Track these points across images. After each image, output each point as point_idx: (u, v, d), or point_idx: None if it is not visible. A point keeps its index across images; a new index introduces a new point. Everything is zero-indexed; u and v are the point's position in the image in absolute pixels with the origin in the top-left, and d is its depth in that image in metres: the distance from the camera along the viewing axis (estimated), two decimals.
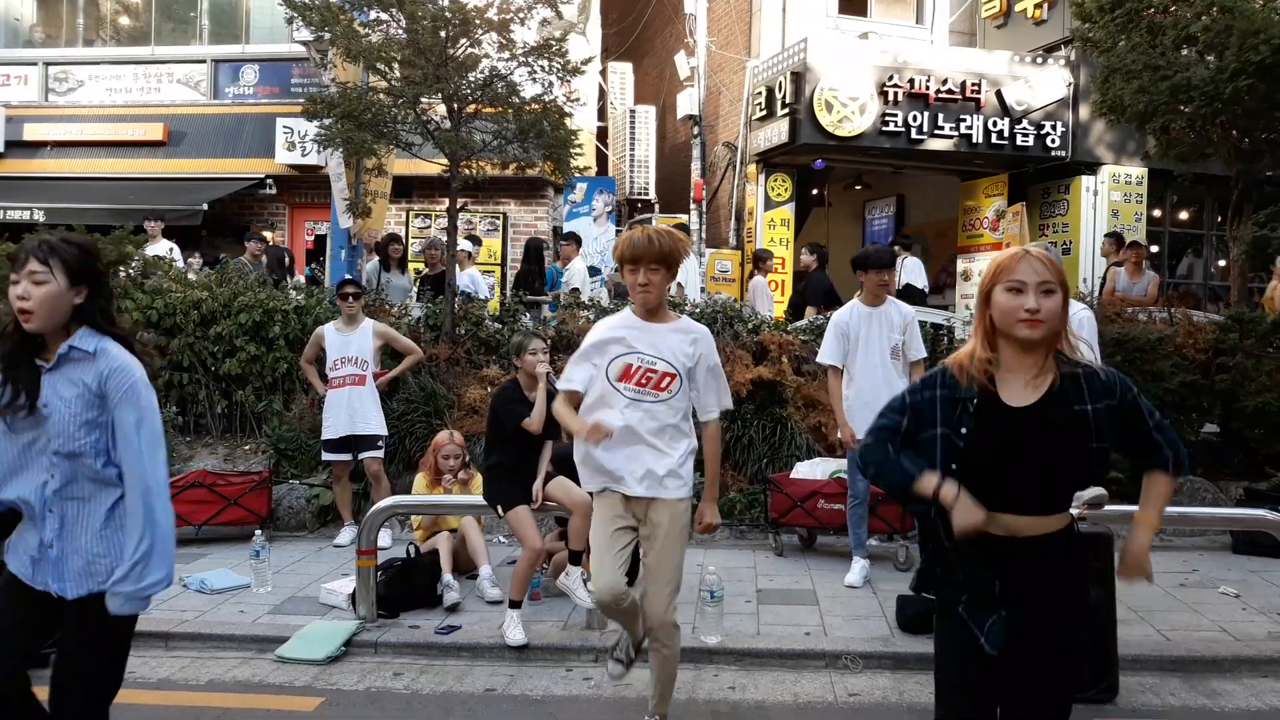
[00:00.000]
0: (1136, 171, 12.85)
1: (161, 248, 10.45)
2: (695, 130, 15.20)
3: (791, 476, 6.78)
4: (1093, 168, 12.86)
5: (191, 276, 8.89)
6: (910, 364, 5.84)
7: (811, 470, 6.82)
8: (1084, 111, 12.41)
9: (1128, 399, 2.44)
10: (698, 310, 8.52)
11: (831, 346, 5.89)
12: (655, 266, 3.48)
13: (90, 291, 2.60)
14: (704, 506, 3.81)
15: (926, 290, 12.30)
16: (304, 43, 10.61)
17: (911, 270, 11.93)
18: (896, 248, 12.80)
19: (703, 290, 12.06)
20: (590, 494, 3.78)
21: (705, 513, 3.81)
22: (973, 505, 2.37)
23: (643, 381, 3.52)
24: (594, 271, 12.26)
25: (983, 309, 2.50)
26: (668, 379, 3.53)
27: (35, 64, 14.56)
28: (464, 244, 10.43)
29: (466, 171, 8.41)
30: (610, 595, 3.52)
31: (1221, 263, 13.24)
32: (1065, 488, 2.46)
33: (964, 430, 2.45)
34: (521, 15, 8.07)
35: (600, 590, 3.56)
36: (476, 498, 5.50)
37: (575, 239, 11.49)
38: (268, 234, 13.48)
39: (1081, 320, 5.51)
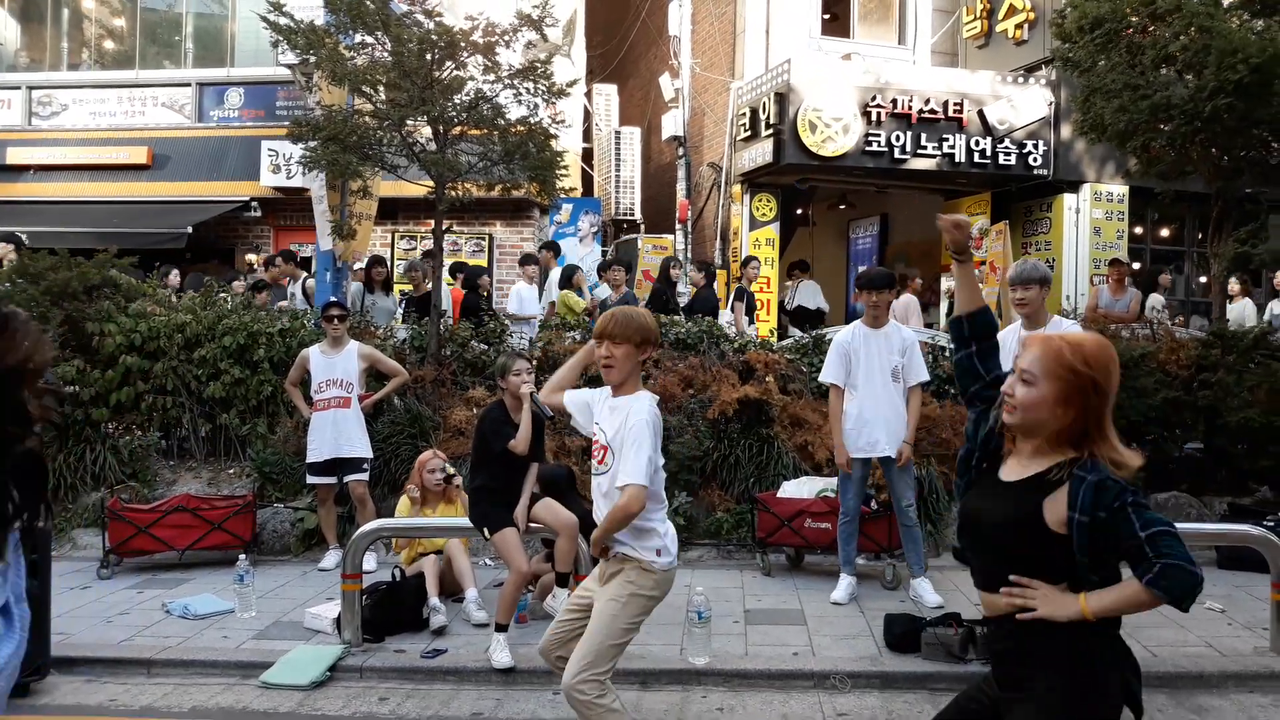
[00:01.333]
0: (1118, 189, 12.97)
1: None
2: (680, 151, 15.27)
3: (778, 496, 6.78)
4: (1075, 186, 12.98)
5: (164, 294, 8.86)
6: (909, 387, 5.87)
7: (798, 489, 6.82)
8: (1065, 130, 12.53)
9: (1118, 510, 2.17)
10: (683, 330, 8.53)
11: (834, 366, 5.93)
12: (617, 340, 3.46)
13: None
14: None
15: (823, 310, 12.90)
16: (289, 66, 10.63)
17: (805, 292, 12.80)
18: (796, 271, 13.15)
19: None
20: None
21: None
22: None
23: (600, 457, 3.53)
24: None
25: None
26: (603, 452, 3.52)
27: (19, 88, 14.52)
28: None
29: (452, 193, 8.41)
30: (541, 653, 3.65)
31: (1203, 279, 13.34)
32: (1022, 572, 2.29)
33: (963, 482, 2.53)
34: (507, 38, 8.10)
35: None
36: (463, 520, 5.48)
37: (554, 248, 11.55)
38: (252, 256, 13.48)
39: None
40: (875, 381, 5.83)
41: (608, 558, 3.53)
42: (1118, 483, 2.19)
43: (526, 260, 10.65)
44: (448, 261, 11.19)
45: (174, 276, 10.76)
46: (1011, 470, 2.40)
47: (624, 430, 3.42)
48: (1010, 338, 5.57)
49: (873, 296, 5.87)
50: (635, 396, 3.52)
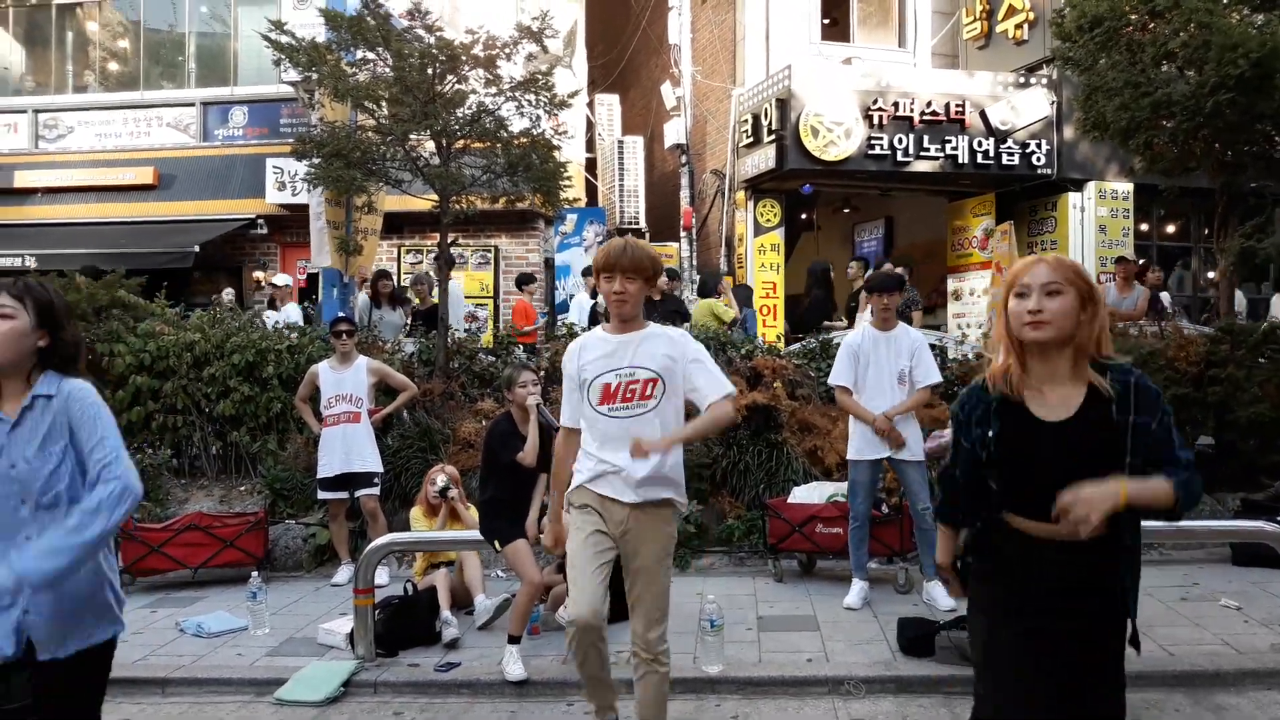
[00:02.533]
0: (1123, 187, 12.95)
1: None
2: (683, 159, 15.30)
3: (789, 501, 6.77)
4: (1079, 184, 12.95)
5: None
6: (918, 389, 5.85)
7: (809, 495, 6.81)
8: (1068, 130, 12.52)
9: (1164, 422, 2.43)
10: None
11: (843, 368, 5.93)
12: (632, 276, 3.45)
13: (54, 338, 2.56)
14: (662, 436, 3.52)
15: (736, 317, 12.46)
16: (292, 83, 10.69)
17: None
18: (727, 278, 13.09)
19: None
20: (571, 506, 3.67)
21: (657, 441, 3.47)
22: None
23: (627, 397, 3.46)
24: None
25: (1002, 319, 2.55)
26: (650, 385, 3.46)
27: (25, 111, 14.63)
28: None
29: (457, 206, 8.44)
30: (590, 614, 3.44)
31: (1211, 274, 13.30)
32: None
33: (990, 433, 2.50)
34: (508, 51, 8.14)
35: (577, 612, 3.47)
36: (473, 533, 5.48)
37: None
38: (260, 274, 13.53)
39: None
40: (884, 384, 5.83)
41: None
42: (1154, 388, 2.44)
43: (587, 273, 10.71)
44: (458, 275, 11.24)
45: (228, 295, 10.95)
46: (1053, 408, 2.45)
47: (682, 358, 3.47)
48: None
49: (883, 300, 5.88)
50: (656, 329, 3.56)
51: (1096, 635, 2.50)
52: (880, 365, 5.84)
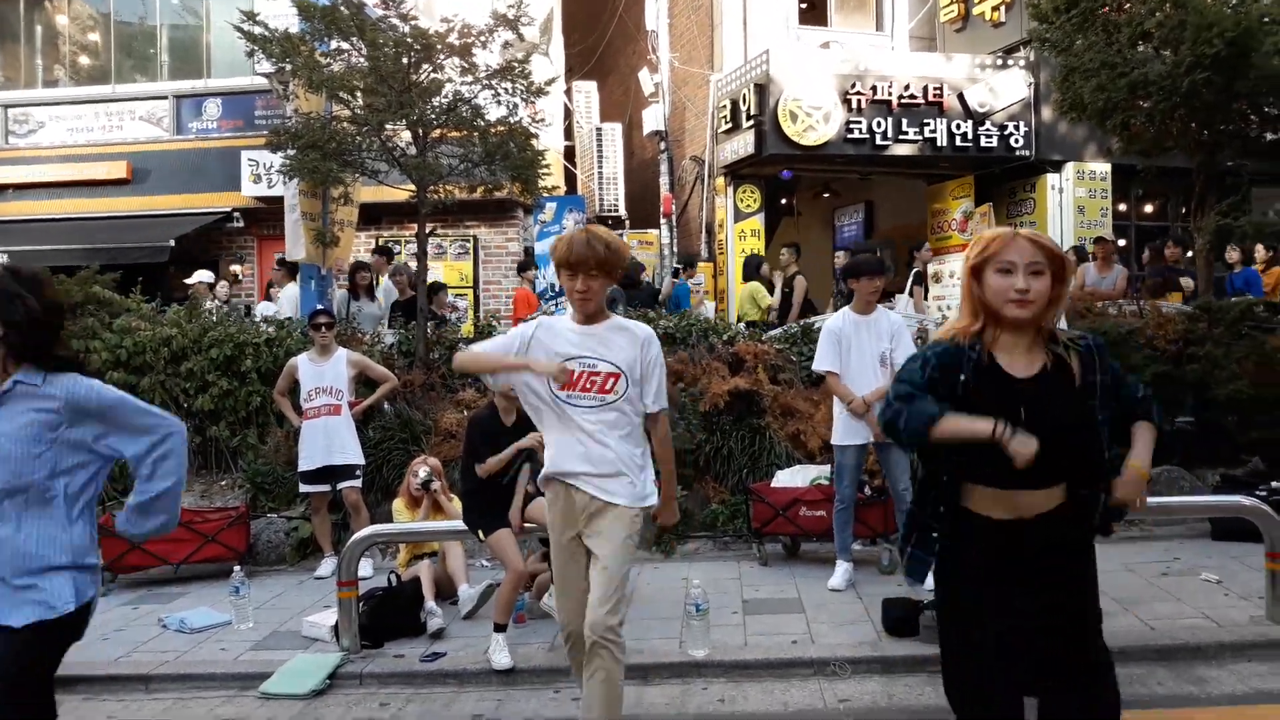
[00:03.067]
0: (1100, 168, 13.01)
1: None
2: (662, 145, 15.27)
3: (772, 485, 6.78)
4: (1057, 165, 13.01)
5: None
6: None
7: (792, 478, 6.82)
8: (1046, 111, 12.54)
9: (1115, 370, 2.62)
10: (672, 324, 8.52)
11: (826, 352, 5.92)
12: (595, 273, 3.38)
13: (7, 328, 2.58)
14: (662, 507, 3.68)
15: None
16: (265, 75, 10.57)
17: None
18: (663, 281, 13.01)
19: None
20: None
21: (663, 513, 3.71)
22: (1027, 435, 2.41)
23: (587, 387, 3.43)
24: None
25: (971, 286, 2.59)
26: (611, 379, 3.43)
27: None
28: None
29: (434, 196, 8.39)
30: (580, 623, 3.43)
31: (1188, 254, 13.38)
32: (1071, 458, 2.52)
33: (963, 377, 2.54)
34: (483, 39, 8.08)
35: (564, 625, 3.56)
36: (457, 523, 5.46)
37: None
38: (236, 267, 13.42)
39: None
40: (866, 368, 5.83)
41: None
42: (1103, 344, 2.62)
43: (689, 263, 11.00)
44: (435, 268, 11.19)
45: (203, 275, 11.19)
46: (1021, 367, 2.56)
47: (648, 360, 3.47)
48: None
49: (874, 282, 5.88)
50: (622, 322, 3.56)
51: (1072, 588, 2.60)
52: (862, 349, 5.84)
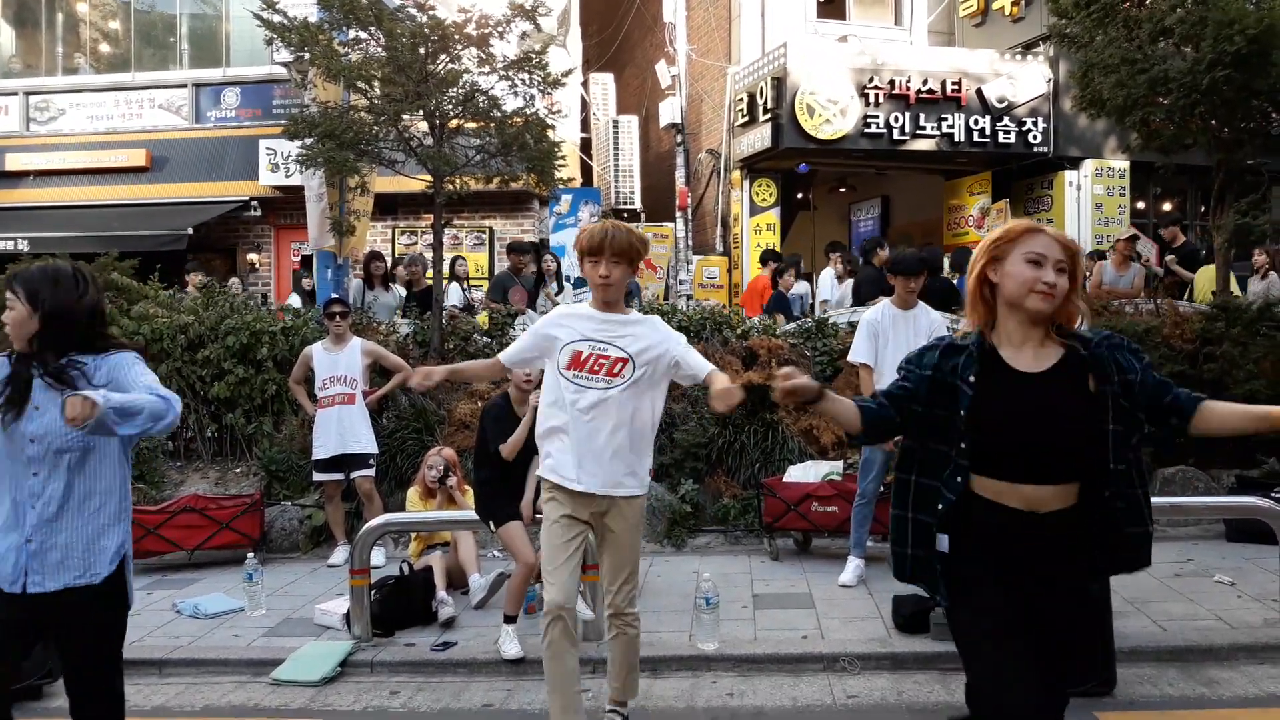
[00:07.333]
0: (1119, 164, 12.92)
1: None
2: (678, 138, 15.23)
3: (784, 480, 6.78)
4: (1075, 162, 12.93)
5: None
6: None
7: (804, 474, 6.82)
8: (1065, 107, 12.47)
9: (1147, 366, 2.55)
10: (687, 318, 8.51)
11: (863, 345, 5.88)
12: (616, 260, 3.50)
13: (46, 319, 2.75)
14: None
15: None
16: (284, 64, 10.62)
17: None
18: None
19: (690, 297, 12.07)
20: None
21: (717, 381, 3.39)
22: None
23: (595, 369, 3.52)
24: (580, 283, 12.24)
25: (982, 279, 2.57)
26: (620, 364, 3.53)
27: (15, 94, 14.54)
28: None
29: (450, 187, 8.40)
30: (565, 601, 3.60)
31: (1185, 237, 13.29)
32: (1078, 457, 2.47)
33: (971, 378, 2.51)
34: (501, 29, 8.08)
35: (551, 601, 3.64)
36: (469, 513, 5.48)
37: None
38: (253, 256, 13.49)
39: None
40: (900, 363, 5.78)
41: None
42: (1124, 340, 2.58)
43: (834, 248, 11.31)
44: (448, 256, 11.14)
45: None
46: (1029, 362, 2.52)
47: (666, 343, 3.57)
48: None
49: (910, 283, 5.83)
50: (640, 316, 3.70)
51: (1077, 590, 2.56)
52: (900, 344, 5.73)
